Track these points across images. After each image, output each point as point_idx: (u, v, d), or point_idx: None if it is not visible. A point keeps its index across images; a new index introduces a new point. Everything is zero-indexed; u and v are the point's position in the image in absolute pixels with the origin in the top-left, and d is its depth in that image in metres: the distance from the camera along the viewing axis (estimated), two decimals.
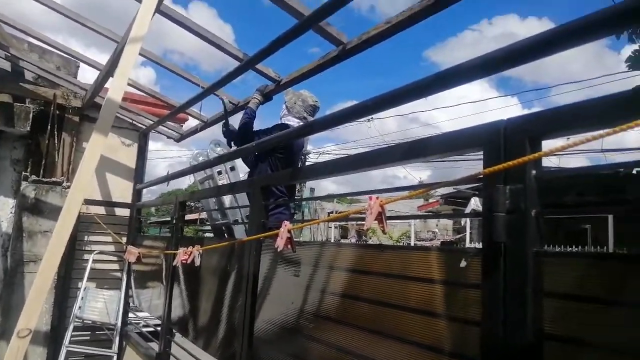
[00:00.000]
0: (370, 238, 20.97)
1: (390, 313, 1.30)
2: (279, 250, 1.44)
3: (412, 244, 16.99)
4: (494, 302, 0.96)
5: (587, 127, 0.90)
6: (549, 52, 1.02)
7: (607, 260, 0.92)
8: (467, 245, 14.36)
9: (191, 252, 2.14)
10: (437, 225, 21.10)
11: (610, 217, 9.97)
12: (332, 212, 25.10)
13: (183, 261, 2.18)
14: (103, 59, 3.71)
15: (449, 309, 1.13)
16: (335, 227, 21.71)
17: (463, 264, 1.10)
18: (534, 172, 0.95)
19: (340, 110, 1.69)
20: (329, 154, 17.56)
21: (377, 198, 0.97)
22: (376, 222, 0.96)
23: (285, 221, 1.45)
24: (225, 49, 2.83)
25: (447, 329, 1.13)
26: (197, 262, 2.14)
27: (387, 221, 1.03)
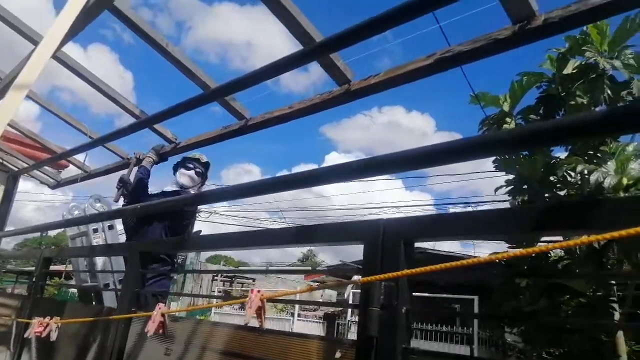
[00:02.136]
0: None
1: None
2: (148, 335, 1.34)
3: (296, 314, 16.87)
4: None
5: (452, 236, 1.03)
6: (438, 163, 1.15)
7: None
8: (349, 317, 14.61)
9: (47, 325, 1.87)
10: (321, 296, 21.27)
11: (476, 299, 10.92)
12: (217, 274, 24.32)
13: (37, 334, 1.90)
14: None
15: None
16: (219, 291, 21.16)
17: (338, 354, 1.12)
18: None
19: (241, 184, 1.69)
20: (220, 214, 17.24)
21: (259, 292, 0.97)
22: (255, 315, 0.95)
23: (160, 304, 1.37)
24: (122, 104, 2.74)
25: None
26: (53, 337, 1.86)
27: (277, 297, 1.03)
